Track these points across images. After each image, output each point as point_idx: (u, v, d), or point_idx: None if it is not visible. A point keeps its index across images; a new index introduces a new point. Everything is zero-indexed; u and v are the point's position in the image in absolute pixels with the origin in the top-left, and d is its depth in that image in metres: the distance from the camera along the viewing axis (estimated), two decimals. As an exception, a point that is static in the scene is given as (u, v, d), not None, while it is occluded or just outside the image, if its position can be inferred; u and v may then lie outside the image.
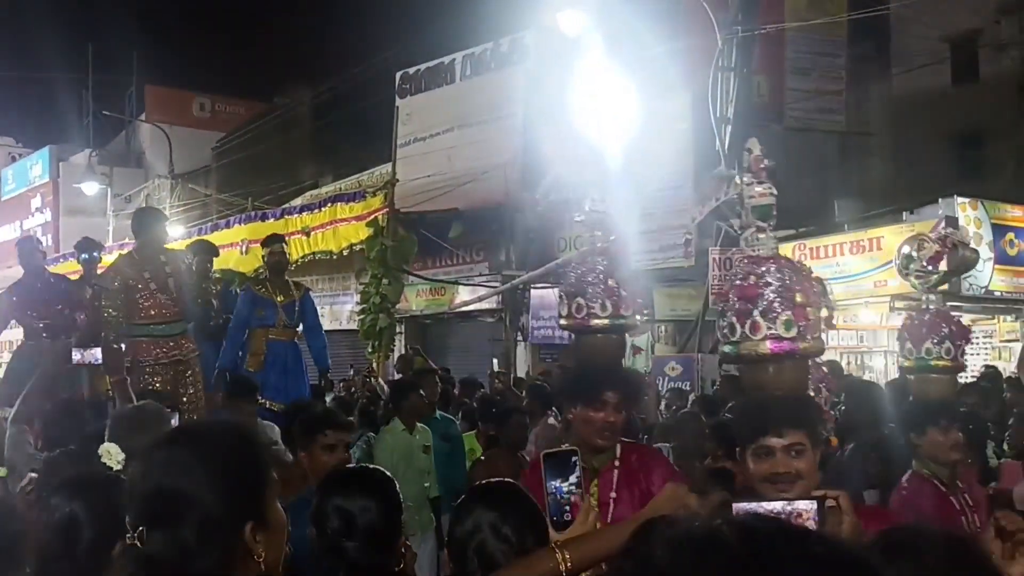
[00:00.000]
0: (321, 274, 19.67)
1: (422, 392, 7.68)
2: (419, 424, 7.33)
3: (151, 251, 7.86)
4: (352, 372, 14.36)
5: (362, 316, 12.56)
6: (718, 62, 14.27)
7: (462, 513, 2.64)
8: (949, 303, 5.06)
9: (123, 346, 7.67)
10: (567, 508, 2.63)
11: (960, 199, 13.02)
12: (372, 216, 13.19)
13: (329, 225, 14.81)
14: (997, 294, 13.49)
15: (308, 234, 15.36)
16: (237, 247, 15.59)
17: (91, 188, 27.35)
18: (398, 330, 15.61)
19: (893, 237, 13.04)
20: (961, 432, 3.92)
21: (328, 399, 10.98)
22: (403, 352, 15.21)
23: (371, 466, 3.71)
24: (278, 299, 8.45)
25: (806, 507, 2.23)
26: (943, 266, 4.07)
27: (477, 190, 17.47)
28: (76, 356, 7.89)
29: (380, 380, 11.08)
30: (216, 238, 14.62)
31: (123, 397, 5.70)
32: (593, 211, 3.81)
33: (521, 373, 15.80)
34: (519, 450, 6.81)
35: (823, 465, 5.90)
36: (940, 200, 13.09)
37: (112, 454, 2.94)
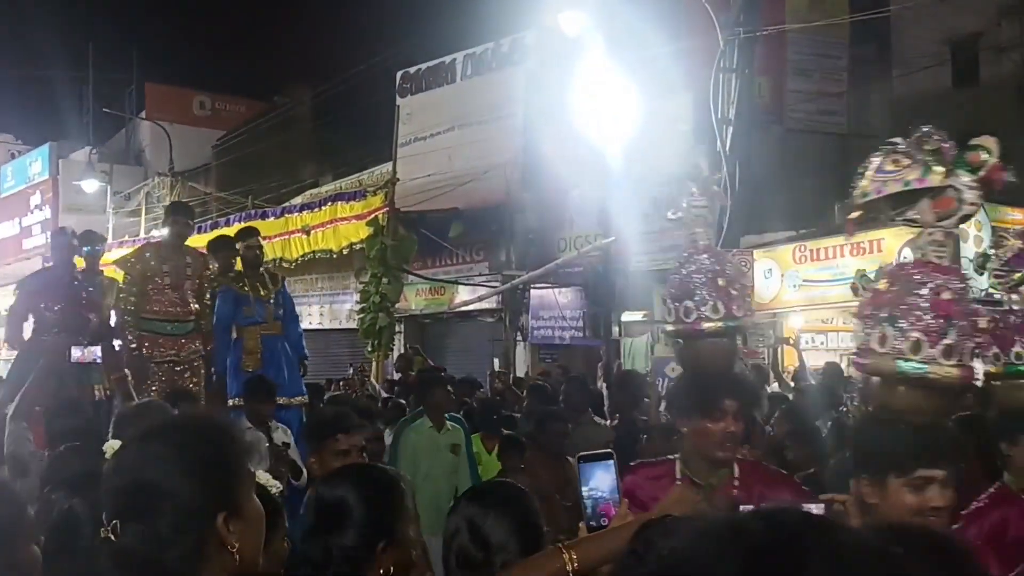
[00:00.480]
0: (321, 273, 19.67)
1: (448, 388, 7.34)
2: (449, 423, 6.95)
3: (175, 247, 7.90)
4: (351, 371, 14.38)
5: (362, 315, 12.56)
6: (719, 63, 14.25)
7: (450, 514, 2.66)
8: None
9: (130, 339, 7.66)
10: (603, 514, 2.56)
11: (960, 202, 13.00)
12: (372, 215, 13.20)
13: (329, 224, 14.83)
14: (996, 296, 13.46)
15: (308, 233, 15.38)
16: (206, 247, 15.54)
17: (91, 185, 27.34)
18: (397, 329, 15.60)
19: (894, 239, 13.01)
20: None
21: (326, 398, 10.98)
22: (402, 351, 15.23)
23: (371, 464, 3.70)
24: (261, 294, 8.26)
25: (815, 511, 2.21)
26: None
27: (477, 190, 17.48)
28: (76, 353, 7.88)
29: (373, 379, 11.06)
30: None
31: (124, 394, 5.69)
32: (693, 207, 3.51)
33: (520, 373, 15.79)
34: (559, 456, 6.24)
35: (824, 466, 5.91)
36: (940, 203, 13.05)
37: (115, 450, 2.93)
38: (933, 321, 2.45)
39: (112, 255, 17.36)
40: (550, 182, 17.03)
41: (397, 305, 13.26)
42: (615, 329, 14.15)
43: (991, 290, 3.96)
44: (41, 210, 32.41)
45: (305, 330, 9.35)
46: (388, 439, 7.05)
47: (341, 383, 13.30)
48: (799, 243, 13.71)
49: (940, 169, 2.70)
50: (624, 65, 12.77)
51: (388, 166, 14.40)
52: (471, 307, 18.19)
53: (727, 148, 14.40)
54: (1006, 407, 3.78)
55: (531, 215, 17.93)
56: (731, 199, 14.29)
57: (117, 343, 7.80)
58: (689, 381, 3.45)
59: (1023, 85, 17.09)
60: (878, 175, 2.76)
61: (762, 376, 11.16)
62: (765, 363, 13.16)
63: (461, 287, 18.44)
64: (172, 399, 5.74)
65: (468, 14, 20.63)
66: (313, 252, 15.34)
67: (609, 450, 2.71)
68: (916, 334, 2.44)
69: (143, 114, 31.31)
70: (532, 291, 17.58)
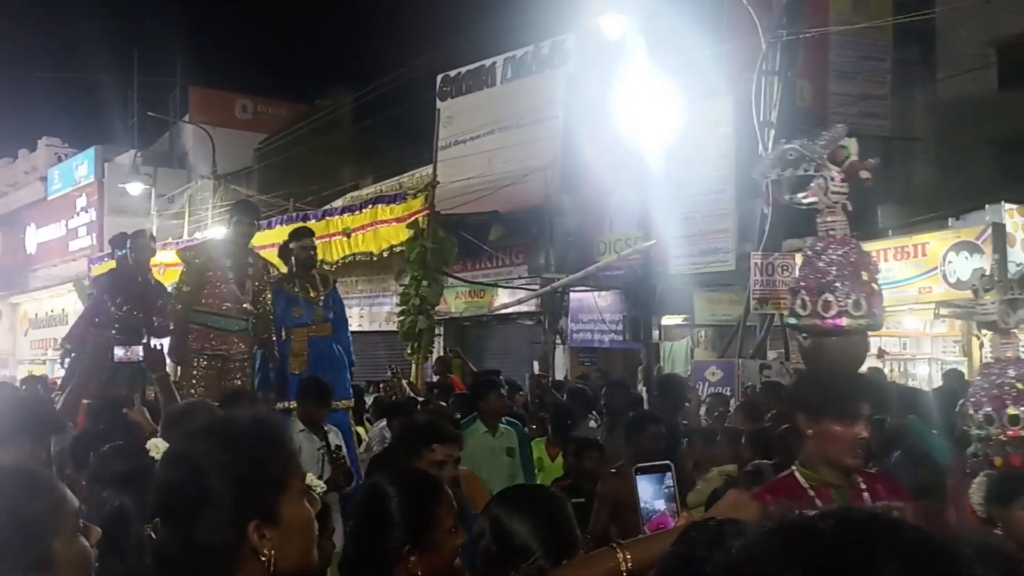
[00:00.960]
0: (361, 275, 19.77)
1: (503, 392, 7.13)
2: (503, 425, 6.76)
3: (239, 246, 7.94)
4: (391, 373, 14.42)
5: (401, 318, 12.59)
6: (761, 66, 14.16)
7: (480, 516, 2.68)
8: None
9: (179, 331, 7.69)
10: (662, 526, 2.49)
11: (1007, 205, 12.80)
12: (412, 218, 13.23)
13: (370, 226, 14.88)
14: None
15: (349, 235, 15.43)
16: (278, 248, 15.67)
17: (135, 188, 27.63)
18: (437, 332, 15.63)
19: (938, 243, 12.87)
20: None
21: (368, 401, 11.04)
22: (441, 354, 15.26)
23: (413, 467, 3.70)
24: (312, 296, 8.19)
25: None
26: None
27: (517, 192, 17.49)
28: (119, 353, 7.94)
29: (403, 381, 11.04)
30: (257, 239, 14.68)
31: (166, 393, 5.72)
32: (833, 192, 3.33)
33: (559, 376, 15.77)
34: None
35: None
36: (987, 206, 12.88)
37: (160, 448, 2.96)
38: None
39: (157, 257, 17.58)
40: (590, 185, 17.02)
41: (437, 308, 13.27)
42: (655, 333, 14.10)
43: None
44: (87, 212, 32.86)
45: (345, 332, 9.33)
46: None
47: (380, 385, 13.34)
48: (841, 247, 13.58)
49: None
50: (665, 68, 12.73)
51: (428, 169, 14.43)
52: (510, 310, 18.20)
53: (769, 151, 14.31)
54: None
55: (571, 218, 17.93)
56: (771, 204, 14.20)
57: (162, 342, 7.85)
58: (819, 380, 3.21)
59: (1071, 87, 16.81)
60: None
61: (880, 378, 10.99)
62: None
63: (500, 290, 18.46)
64: (229, 400, 5.75)
65: (508, 17, 20.69)
66: (353, 254, 15.39)
67: (667, 461, 2.67)
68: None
69: (186, 117, 31.63)
70: (572, 294, 17.57)
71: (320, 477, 5.58)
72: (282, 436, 1.90)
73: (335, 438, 6.47)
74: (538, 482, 6.56)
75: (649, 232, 13.10)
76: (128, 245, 8.85)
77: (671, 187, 13.58)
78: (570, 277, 16.35)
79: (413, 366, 12.23)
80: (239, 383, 7.63)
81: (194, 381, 7.47)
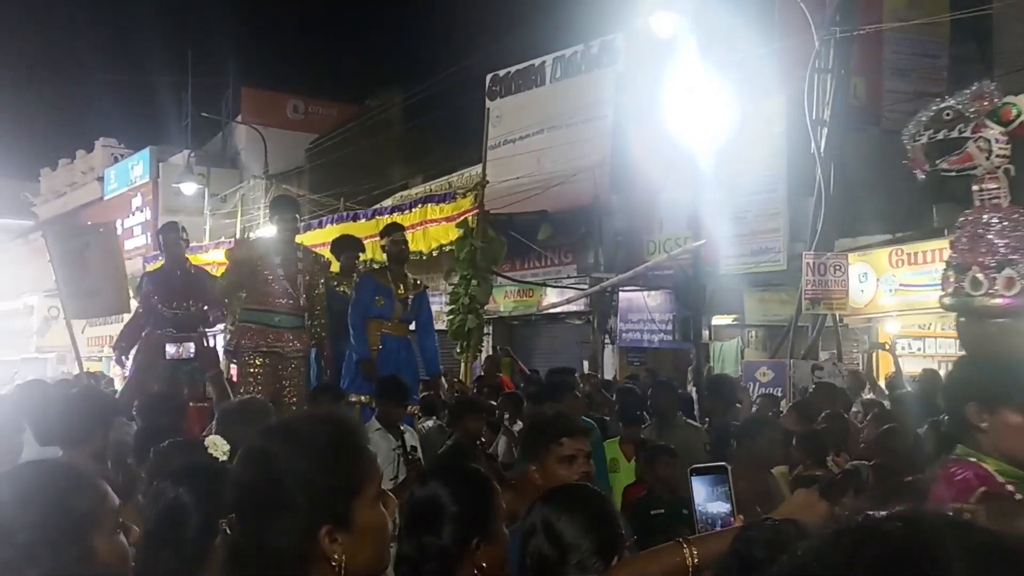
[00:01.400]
0: (411, 274, 19.83)
1: (578, 393, 6.93)
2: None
3: (285, 241, 7.98)
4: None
5: (451, 316, 12.62)
6: (814, 63, 14.02)
7: (526, 516, 2.68)
8: None
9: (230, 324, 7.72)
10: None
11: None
12: (462, 217, 13.26)
13: (419, 226, 14.93)
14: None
15: (398, 234, 15.49)
16: (329, 247, 15.79)
17: (189, 188, 27.97)
18: (486, 331, 15.66)
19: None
20: None
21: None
22: (490, 353, 15.29)
23: (464, 463, 3.70)
24: (400, 291, 8.15)
25: None
26: None
27: (566, 192, 17.47)
28: (171, 350, 8.02)
29: (442, 378, 10.97)
30: (308, 238, 14.87)
31: (219, 390, 5.78)
32: (999, 156, 3.04)
33: (608, 376, 15.73)
34: (766, 467, 5.24)
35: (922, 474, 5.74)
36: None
37: (218, 445, 3.00)
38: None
39: (209, 256, 17.81)
40: (639, 184, 16.95)
41: (486, 307, 13.30)
42: (705, 333, 14.01)
43: None
44: (142, 212, 33.39)
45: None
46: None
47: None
48: (896, 247, 13.41)
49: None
50: (716, 66, 12.63)
51: (477, 168, 14.45)
52: (559, 309, 18.18)
53: (821, 150, 14.16)
54: None
55: (620, 217, 17.88)
56: (825, 202, 14.05)
57: (216, 336, 7.91)
58: (998, 367, 2.93)
59: None
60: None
61: (858, 383, 10.93)
62: (860, 369, 12.90)
63: (549, 289, 18.45)
64: (313, 395, 5.74)
65: (557, 17, 20.64)
66: (403, 254, 15.44)
67: (723, 463, 2.64)
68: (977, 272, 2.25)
69: (239, 118, 31.98)
70: (621, 294, 17.51)
71: (395, 477, 5.59)
72: (359, 439, 1.89)
73: (411, 438, 6.42)
74: (613, 484, 6.47)
75: (699, 232, 13.01)
76: (160, 242, 8.90)
77: (722, 187, 13.48)
78: (619, 277, 16.30)
79: (463, 365, 12.26)
80: (292, 382, 7.65)
81: (251, 380, 7.48)
